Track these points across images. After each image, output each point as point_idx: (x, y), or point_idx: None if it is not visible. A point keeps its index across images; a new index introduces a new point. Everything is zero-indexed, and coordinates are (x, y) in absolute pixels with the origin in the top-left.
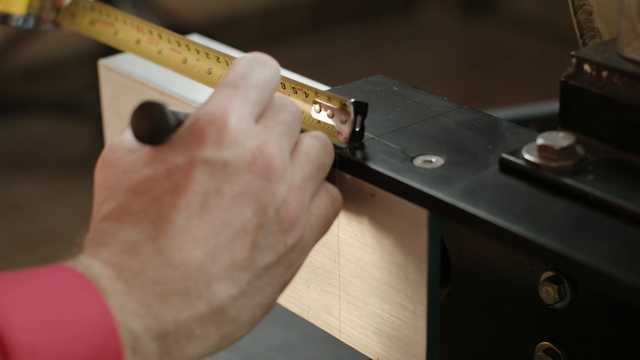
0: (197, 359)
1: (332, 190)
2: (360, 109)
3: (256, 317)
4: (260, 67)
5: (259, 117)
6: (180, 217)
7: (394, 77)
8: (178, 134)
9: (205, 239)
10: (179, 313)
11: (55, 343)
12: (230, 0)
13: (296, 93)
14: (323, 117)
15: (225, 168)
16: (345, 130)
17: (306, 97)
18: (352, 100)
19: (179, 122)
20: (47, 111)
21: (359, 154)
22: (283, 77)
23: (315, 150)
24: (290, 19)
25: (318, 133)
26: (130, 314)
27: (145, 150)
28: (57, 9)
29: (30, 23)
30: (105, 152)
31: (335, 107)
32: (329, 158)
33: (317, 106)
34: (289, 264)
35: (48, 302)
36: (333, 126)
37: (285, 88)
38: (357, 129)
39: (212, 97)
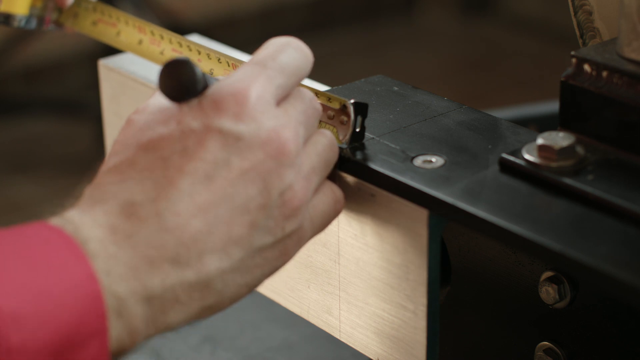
0: (176, 326)
1: (336, 190)
2: (361, 109)
3: (240, 295)
4: (292, 52)
5: (281, 101)
6: (184, 182)
7: (394, 77)
8: (199, 100)
9: (206, 208)
10: (166, 278)
11: (38, 309)
12: (230, 0)
13: None
14: (323, 117)
15: (238, 141)
16: (346, 131)
17: None
18: (352, 101)
19: (206, 87)
20: (47, 111)
21: (359, 154)
22: None
23: (323, 145)
24: (290, 19)
25: (325, 130)
26: (116, 277)
27: (164, 111)
28: (60, 9)
29: (33, 24)
30: (130, 114)
31: (335, 108)
32: (334, 155)
33: None
34: (283, 250)
35: (32, 267)
36: (333, 127)
37: None
38: (357, 130)
39: (238, 70)
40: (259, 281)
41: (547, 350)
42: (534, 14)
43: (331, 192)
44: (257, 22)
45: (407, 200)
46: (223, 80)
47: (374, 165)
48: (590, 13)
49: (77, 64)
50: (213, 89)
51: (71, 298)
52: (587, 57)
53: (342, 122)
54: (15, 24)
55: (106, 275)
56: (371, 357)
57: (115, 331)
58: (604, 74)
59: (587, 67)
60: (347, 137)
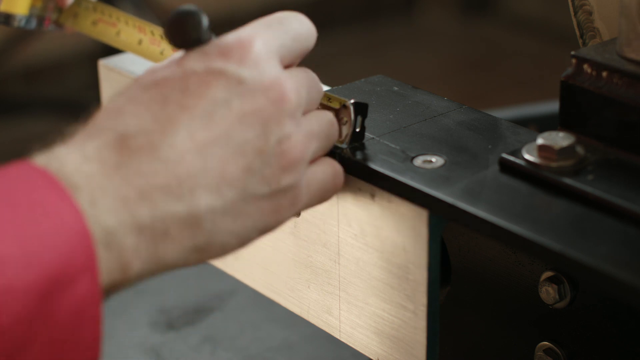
0: (170, 265)
1: (336, 165)
2: (361, 109)
3: (228, 245)
4: (297, 22)
5: (285, 67)
6: (182, 117)
7: (394, 77)
8: (203, 47)
9: (202, 146)
10: (156, 209)
11: (22, 250)
12: (230, 0)
13: None
14: None
15: (241, 85)
16: (346, 131)
17: None
18: (352, 101)
19: (211, 39)
20: (47, 111)
21: (359, 154)
22: None
23: (323, 119)
24: None
25: (326, 111)
26: (104, 209)
27: (168, 61)
28: (60, 9)
29: (33, 24)
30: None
31: (335, 108)
32: (334, 133)
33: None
34: (277, 206)
35: (14, 208)
36: None
37: None
38: (357, 130)
39: (244, 27)
40: (248, 235)
41: (547, 350)
42: (534, 14)
43: (331, 165)
44: None
45: (407, 200)
46: (229, 33)
47: (374, 165)
48: (590, 13)
49: (77, 64)
50: (219, 39)
51: (56, 236)
52: (587, 57)
53: (342, 122)
54: (15, 24)
55: (92, 207)
56: (371, 357)
57: (105, 265)
58: (604, 74)
59: (587, 67)
60: (347, 137)
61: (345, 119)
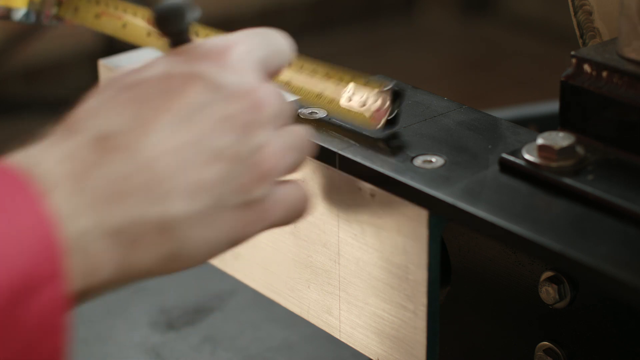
0: (142, 274)
1: (306, 189)
2: (397, 96)
3: (198, 255)
4: (279, 37)
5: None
6: (163, 118)
7: (394, 77)
8: (184, 48)
9: (180, 148)
10: (129, 212)
11: None
12: (230, 0)
13: (329, 79)
14: (354, 104)
15: (221, 89)
16: (381, 116)
17: (339, 82)
18: (390, 86)
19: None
20: (47, 111)
21: (359, 154)
22: (314, 62)
23: (300, 132)
24: (290, 19)
25: (301, 125)
26: (75, 211)
27: (149, 61)
28: (59, 3)
29: (32, 18)
30: None
31: (371, 91)
32: (309, 147)
33: (348, 94)
34: (245, 221)
35: None
36: (363, 114)
37: (317, 74)
38: (391, 117)
39: (228, 34)
40: (219, 245)
41: (547, 350)
42: (534, 14)
43: (300, 188)
44: (257, 22)
45: (407, 200)
46: (212, 38)
47: (374, 165)
48: (590, 13)
49: (77, 64)
50: (200, 42)
51: (19, 241)
52: (587, 57)
53: (377, 109)
54: (14, 18)
55: (62, 209)
56: (371, 357)
57: (75, 270)
58: (604, 74)
59: (587, 67)
60: (383, 122)
61: (381, 104)
